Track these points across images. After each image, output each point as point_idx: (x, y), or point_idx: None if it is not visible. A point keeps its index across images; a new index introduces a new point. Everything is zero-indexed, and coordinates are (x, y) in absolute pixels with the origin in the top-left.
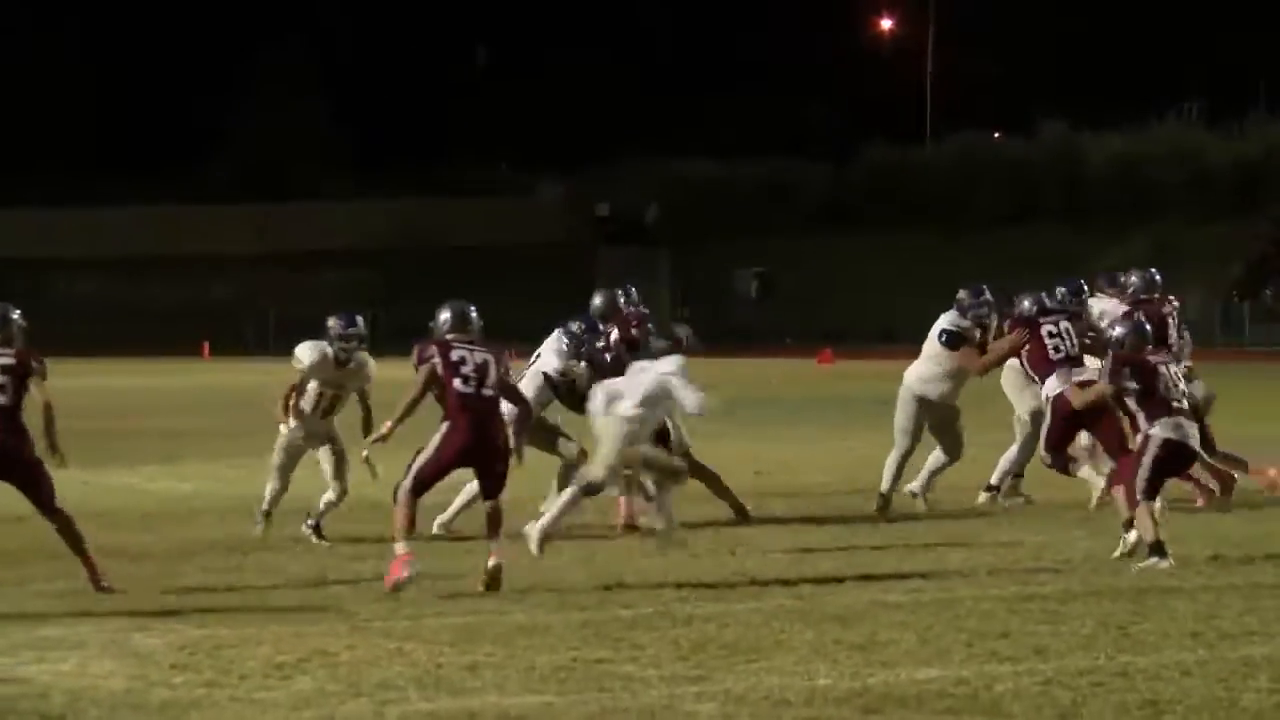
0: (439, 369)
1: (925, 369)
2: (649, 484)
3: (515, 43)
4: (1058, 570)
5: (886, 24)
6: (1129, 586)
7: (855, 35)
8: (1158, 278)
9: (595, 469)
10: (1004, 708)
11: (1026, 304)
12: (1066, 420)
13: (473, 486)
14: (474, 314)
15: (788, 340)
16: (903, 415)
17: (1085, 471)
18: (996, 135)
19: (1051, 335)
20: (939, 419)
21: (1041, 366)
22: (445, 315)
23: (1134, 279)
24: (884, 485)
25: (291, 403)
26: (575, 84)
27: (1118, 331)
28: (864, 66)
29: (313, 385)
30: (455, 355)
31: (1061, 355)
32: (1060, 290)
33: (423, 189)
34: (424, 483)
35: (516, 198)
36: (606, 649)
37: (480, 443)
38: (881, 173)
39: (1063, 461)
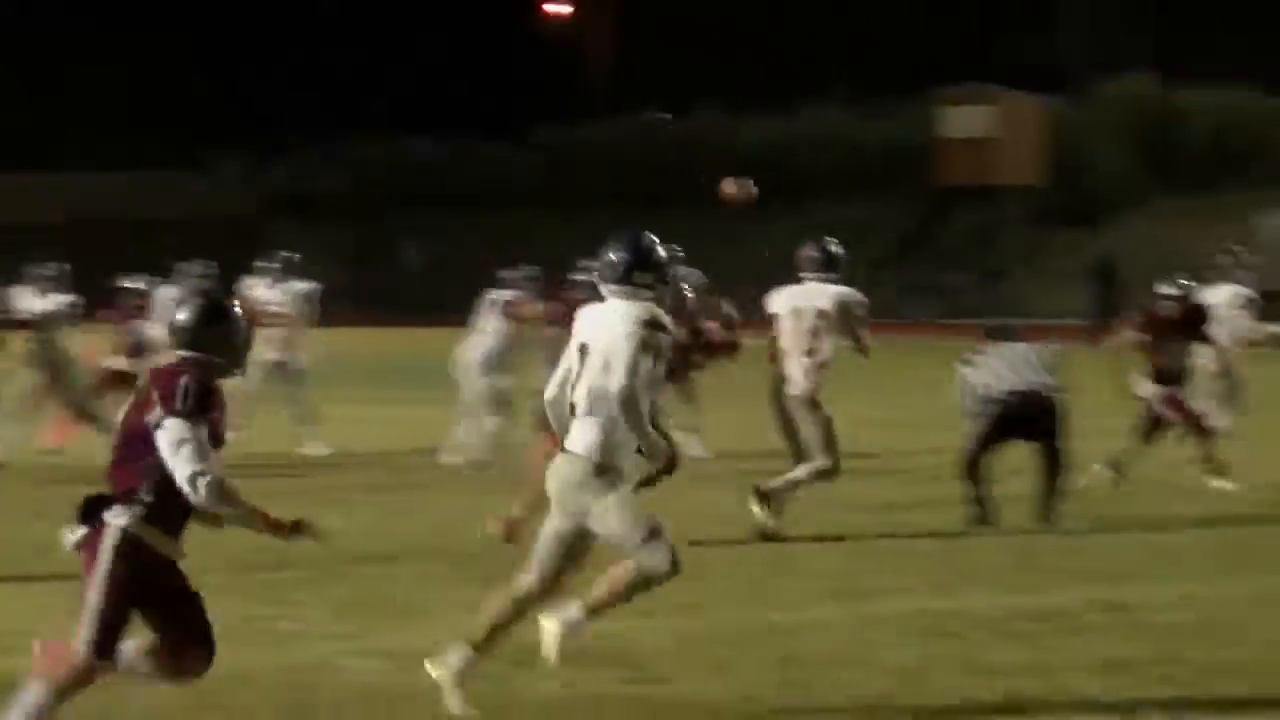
0: None
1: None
2: None
3: (208, 22)
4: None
5: (557, 8)
6: (769, 547)
7: (529, 19)
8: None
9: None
10: (651, 663)
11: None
12: None
13: None
14: None
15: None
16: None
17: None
18: (659, 117)
19: None
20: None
21: None
22: None
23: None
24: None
25: None
26: (251, 60)
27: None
28: (536, 49)
29: None
30: None
31: None
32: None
33: (101, 164)
34: None
35: (194, 172)
36: (268, 607)
37: None
38: (552, 153)
39: None
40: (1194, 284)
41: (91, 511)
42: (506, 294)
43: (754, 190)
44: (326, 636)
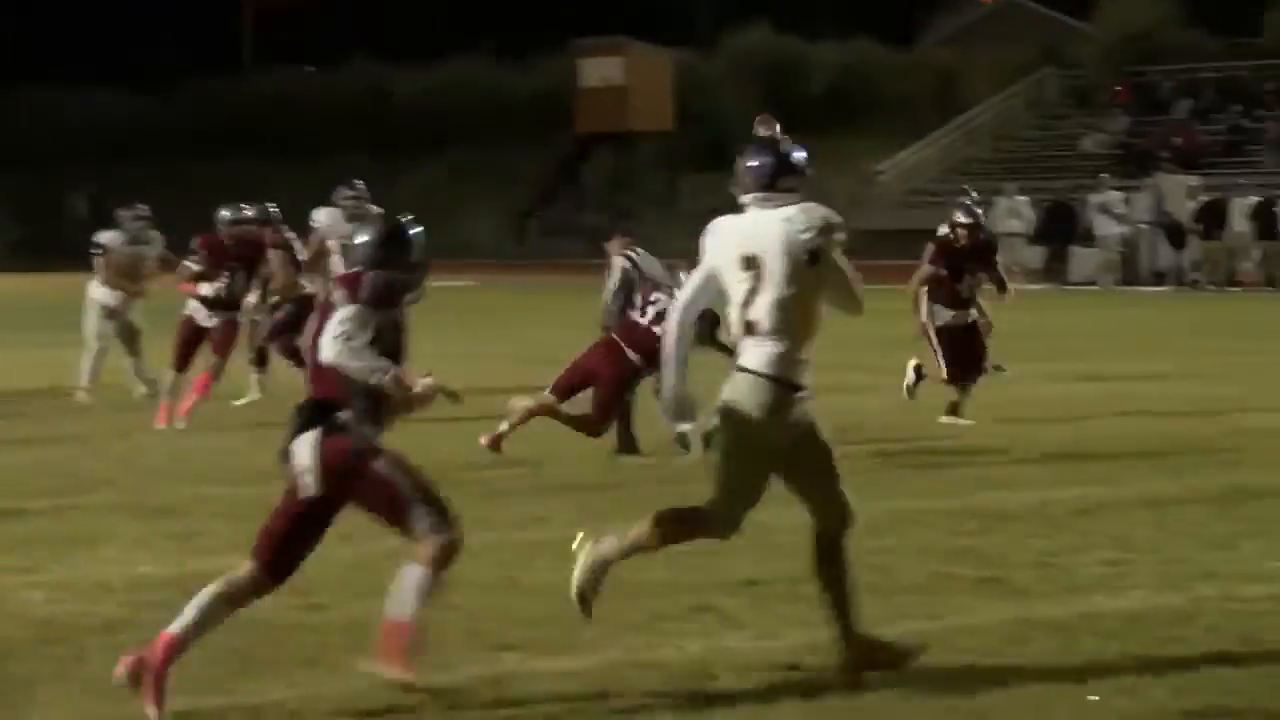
0: None
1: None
2: None
3: None
4: None
5: None
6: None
7: None
8: None
9: None
10: (314, 586)
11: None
12: None
13: None
14: None
15: None
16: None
17: None
18: (309, 69)
19: None
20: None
21: None
22: None
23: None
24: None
25: None
26: None
27: None
28: (189, 2)
29: None
30: None
31: None
32: None
33: None
34: None
35: None
36: None
37: None
38: (206, 104)
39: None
40: (982, 211)
41: (310, 421)
42: (107, 236)
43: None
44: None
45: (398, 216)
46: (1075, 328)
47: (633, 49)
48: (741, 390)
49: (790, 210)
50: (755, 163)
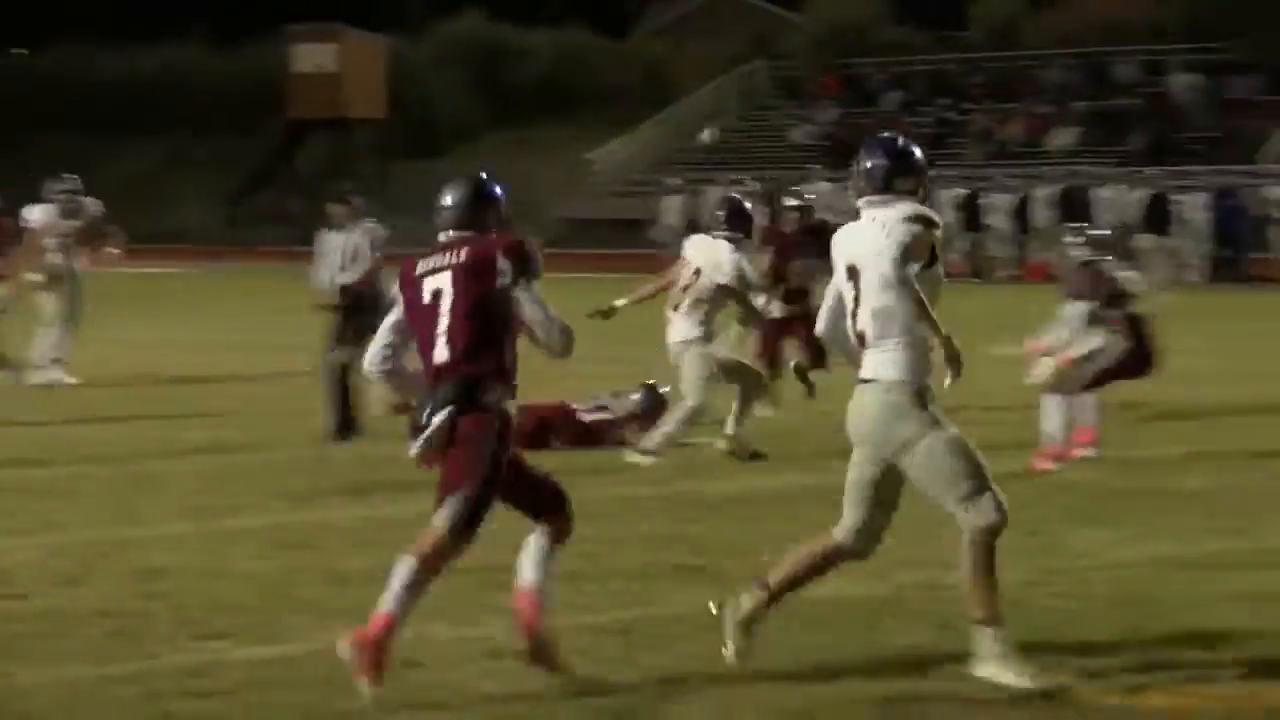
0: None
1: None
2: None
3: None
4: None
5: None
6: (133, 471)
7: None
8: None
9: None
10: (15, 577)
11: None
12: None
13: None
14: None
15: None
16: None
17: None
18: (18, 51)
19: None
20: None
21: None
22: None
23: None
24: None
25: None
26: None
27: None
28: None
29: None
30: None
31: None
32: None
33: None
34: None
35: None
36: None
37: None
38: None
39: None
40: (814, 196)
41: (455, 397)
42: None
43: None
44: None
45: (480, 173)
46: None
47: (346, 35)
48: (868, 401)
49: (884, 212)
50: (869, 164)
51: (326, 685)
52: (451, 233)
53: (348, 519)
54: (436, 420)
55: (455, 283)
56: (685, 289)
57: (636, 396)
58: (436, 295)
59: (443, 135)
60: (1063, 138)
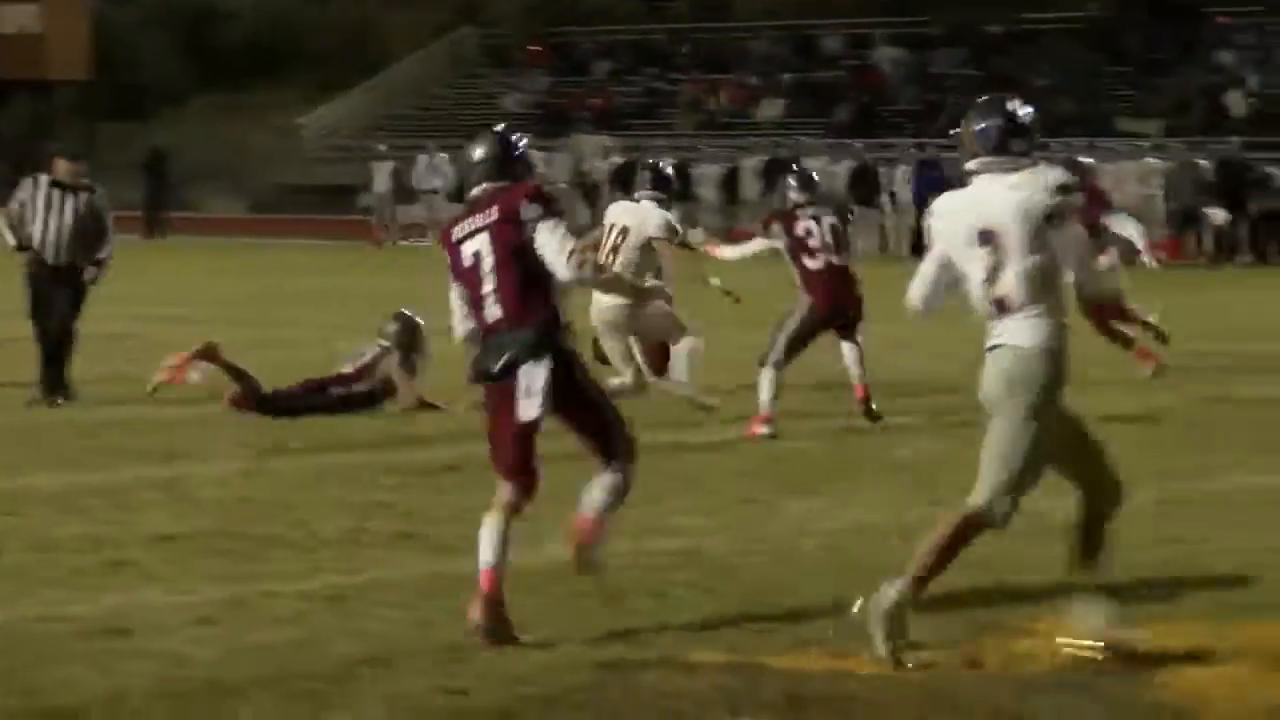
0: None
1: None
2: None
3: None
4: None
5: None
6: None
7: None
8: None
9: None
10: None
11: None
12: None
13: None
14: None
15: None
16: None
17: None
18: None
19: None
20: None
21: None
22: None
23: None
24: None
25: None
26: None
27: None
28: None
29: None
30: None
31: None
32: None
33: None
34: None
35: None
36: None
37: None
38: None
39: None
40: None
41: (536, 351)
42: None
43: None
44: None
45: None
46: None
47: None
48: (1015, 366)
49: (1018, 177)
50: (981, 125)
51: (28, 652)
52: (486, 185)
53: (55, 485)
54: (540, 381)
55: (493, 241)
56: (614, 251)
57: (377, 352)
58: (476, 257)
59: (149, 98)
60: (770, 109)
